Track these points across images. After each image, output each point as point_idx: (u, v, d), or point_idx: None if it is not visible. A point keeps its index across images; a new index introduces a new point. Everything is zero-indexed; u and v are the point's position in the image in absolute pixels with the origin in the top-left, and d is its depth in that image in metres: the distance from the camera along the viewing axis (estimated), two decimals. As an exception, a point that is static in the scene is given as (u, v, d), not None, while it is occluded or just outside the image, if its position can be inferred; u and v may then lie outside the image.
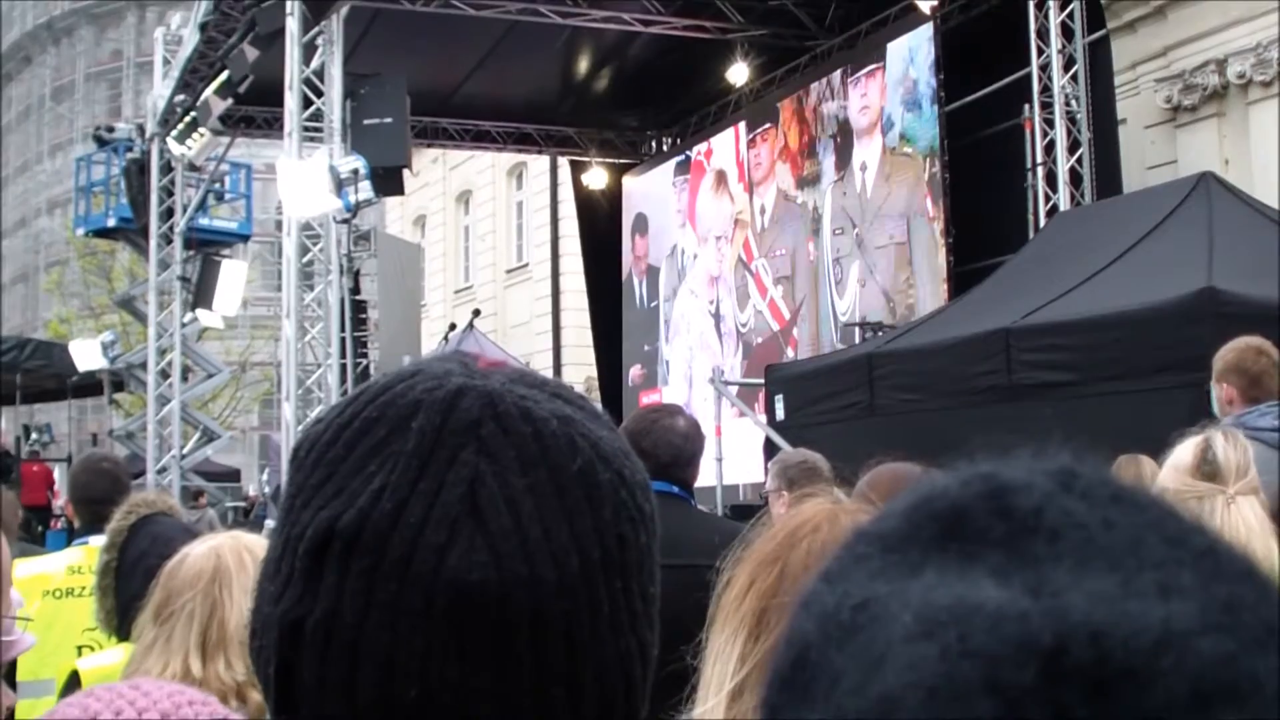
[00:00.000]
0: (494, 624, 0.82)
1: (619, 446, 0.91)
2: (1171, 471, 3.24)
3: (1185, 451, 3.25)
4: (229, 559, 2.57)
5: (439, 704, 0.82)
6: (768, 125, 18.27)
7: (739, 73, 18.07)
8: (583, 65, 19.22)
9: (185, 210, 18.23)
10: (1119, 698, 0.45)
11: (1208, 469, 3.16)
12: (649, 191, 21.09)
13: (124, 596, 3.38)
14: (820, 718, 0.50)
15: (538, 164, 28.37)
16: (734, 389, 15.02)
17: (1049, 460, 0.54)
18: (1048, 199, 13.24)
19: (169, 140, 17.33)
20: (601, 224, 21.89)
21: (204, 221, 19.08)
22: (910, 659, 0.48)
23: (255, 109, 18.09)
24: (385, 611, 0.83)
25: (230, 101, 15.45)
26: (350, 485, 0.86)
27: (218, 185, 19.88)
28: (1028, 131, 13.45)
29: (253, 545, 2.59)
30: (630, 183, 21.55)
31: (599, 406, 0.97)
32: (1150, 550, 0.50)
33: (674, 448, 3.82)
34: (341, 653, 0.84)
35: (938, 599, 0.49)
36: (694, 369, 19.42)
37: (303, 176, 12.60)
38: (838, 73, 16.74)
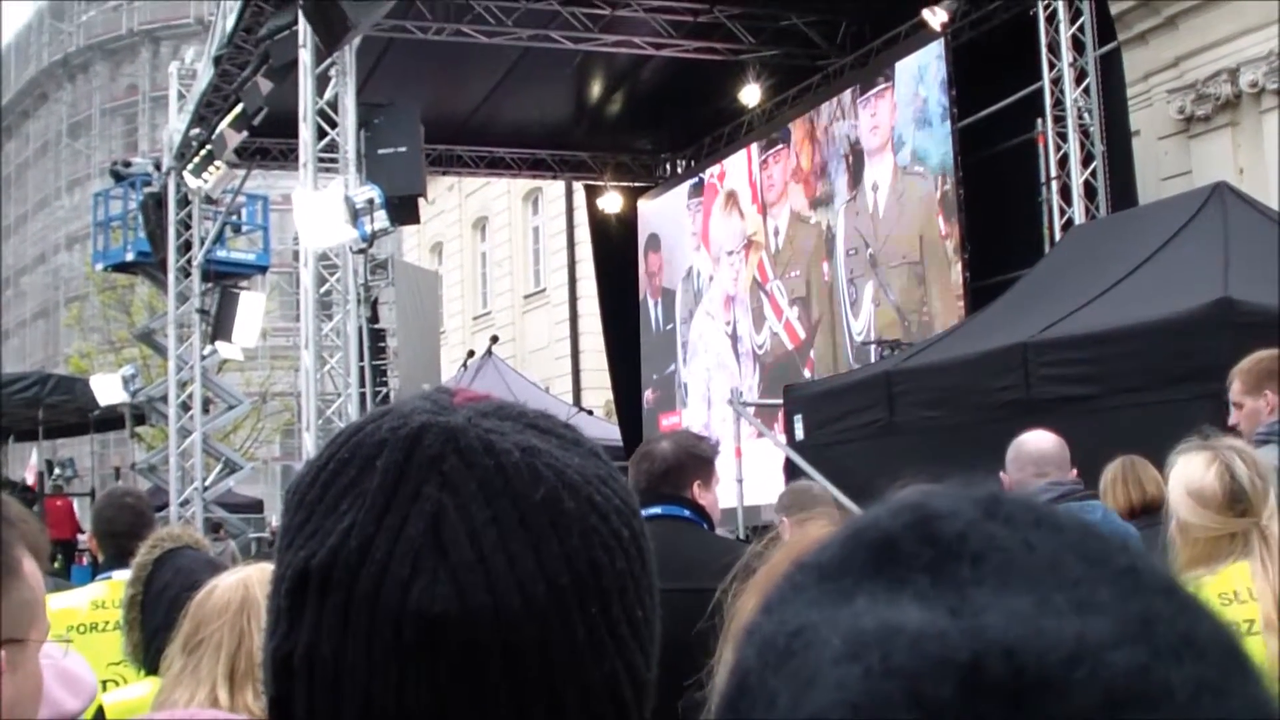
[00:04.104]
0: (462, 654, 0.84)
1: (594, 473, 0.92)
2: (1192, 502, 3.12)
3: (1203, 479, 3.11)
4: (256, 590, 2.60)
5: None
6: (780, 146, 18.28)
7: (751, 94, 18.05)
8: (595, 90, 19.25)
9: (203, 243, 18.32)
10: (1035, 709, 0.48)
11: (1239, 504, 3.06)
12: (664, 214, 21.10)
13: (149, 630, 3.41)
14: None
15: (553, 189, 28.43)
16: (752, 409, 15.01)
17: (975, 488, 0.57)
18: (1062, 213, 13.24)
19: (185, 174, 17.39)
20: (617, 248, 21.86)
21: (222, 254, 19.18)
22: (837, 679, 0.51)
23: (270, 141, 18.13)
24: (360, 644, 0.85)
25: (245, 134, 15.52)
26: (324, 525, 0.89)
27: (235, 217, 19.99)
28: (1041, 146, 13.45)
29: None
30: (645, 206, 21.55)
31: (585, 433, 0.99)
32: (1068, 570, 0.53)
33: (649, 471, 3.82)
34: (325, 685, 0.87)
35: (865, 623, 0.52)
36: (712, 390, 19.38)
37: (318, 207, 12.63)
38: (848, 93, 16.75)
